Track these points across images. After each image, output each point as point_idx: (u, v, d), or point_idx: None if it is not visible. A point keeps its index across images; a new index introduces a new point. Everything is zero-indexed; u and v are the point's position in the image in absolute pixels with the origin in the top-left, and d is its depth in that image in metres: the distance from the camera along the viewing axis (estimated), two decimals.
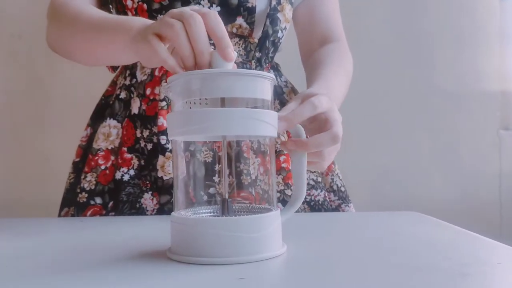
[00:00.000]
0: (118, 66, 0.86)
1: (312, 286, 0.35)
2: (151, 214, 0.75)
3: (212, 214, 0.48)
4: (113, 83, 0.87)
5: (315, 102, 0.53)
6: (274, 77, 0.47)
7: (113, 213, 0.76)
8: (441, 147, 1.47)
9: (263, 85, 0.45)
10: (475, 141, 1.47)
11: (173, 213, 0.46)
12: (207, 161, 0.54)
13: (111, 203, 0.77)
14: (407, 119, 1.46)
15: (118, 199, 0.76)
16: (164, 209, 0.75)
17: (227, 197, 0.46)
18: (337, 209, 0.84)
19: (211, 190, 0.52)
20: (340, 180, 0.86)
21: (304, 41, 0.91)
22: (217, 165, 0.55)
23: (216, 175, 0.53)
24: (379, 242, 0.53)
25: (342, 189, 0.85)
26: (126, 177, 0.76)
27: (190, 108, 0.48)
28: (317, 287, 0.35)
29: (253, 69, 0.81)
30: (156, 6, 0.75)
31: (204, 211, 0.48)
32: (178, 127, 0.45)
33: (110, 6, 0.82)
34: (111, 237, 0.58)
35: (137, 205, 0.75)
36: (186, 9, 0.48)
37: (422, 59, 1.46)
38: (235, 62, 0.79)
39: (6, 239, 0.57)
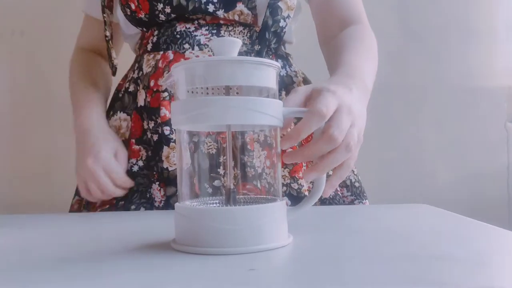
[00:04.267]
0: (116, 70, 0.89)
1: (321, 276, 0.34)
2: (159, 205, 0.75)
3: (217, 204, 0.47)
4: (125, 77, 0.89)
5: (323, 111, 0.46)
6: (279, 65, 0.45)
7: (123, 202, 0.77)
8: (448, 141, 1.46)
9: (268, 73, 0.44)
10: (482, 134, 1.46)
11: (177, 203, 0.45)
12: (212, 153, 0.53)
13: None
14: (414, 113, 1.45)
15: (129, 189, 0.77)
16: (170, 201, 0.74)
17: (232, 187, 0.45)
18: (350, 205, 0.82)
19: (216, 183, 0.51)
20: (355, 175, 0.84)
21: (323, 26, 0.87)
22: (222, 156, 0.54)
23: (221, 167, 0.52)
24: (392, 233, 0.51)
25: (356, 184, 0.83)
26: (135, 168, 0.77)
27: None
28: (326, 277, 0.34)
29: None
30: None
31: (209, 201, 0.47)
32: (180, 115, 0.44)
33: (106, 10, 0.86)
34: (113, 230, 0.57)
35: (148, 195, 0.76)
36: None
37: (429, 53, 1.45)
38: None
39: (11, 234, 0.56)
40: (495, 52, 1.46)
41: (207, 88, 0.47)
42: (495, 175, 1.45)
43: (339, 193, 0.81)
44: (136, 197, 0.76)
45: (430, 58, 1.45)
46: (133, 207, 0.76)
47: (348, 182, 0.83)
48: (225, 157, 0.46)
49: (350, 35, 0.80)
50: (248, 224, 0.41)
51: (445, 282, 0.32)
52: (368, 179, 1.40)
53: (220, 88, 0.46)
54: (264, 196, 0.48)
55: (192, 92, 0.46)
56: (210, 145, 0.54)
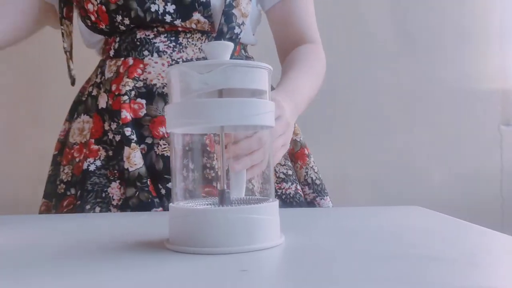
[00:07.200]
0: (74, 80, 0.92)
1: (313, 276, 0.35)
2: (117, 204, 0.76)
3: (211, 205, 0.48)
4: (88, 80, 0.90)
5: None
6: (271, 67, 0.47)
7: (79, 202, 0.77)
8: (442, 143, 1.47)
9: (260, 75, 0.45)
10: (476, 136, 1.47)
11: (171, 204, 0.46)
12: (205, 155, 0.54)
13: (79, 193, 0.78)
14: (408, 115, 1.46)
15: (83, 189, 0.77)
16: (129, 203, 0.75)
17: (225, 188, 0.46)
18: (312, 202, 0.85)
19: (210, 184, 0.51)
20: (315, 173, 0.87)
21: (280, 42, 0.93)
22: (215, 158, 0.55)
23: (215, 167, 0.53)
24: (383, 234, 0.52)
25: (317, 182, 0.86)
26: (92, 167, 0.78)
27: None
28: (318, 276, 0.35)
29: None
30: (113, 6, 0.78)
31: (202, 202, 0.48)
32: (175, 118, 0.45)
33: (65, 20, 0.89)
34: (108, 230, 0.57)
35: (103, 195, 0.76)
36: None
37: (424, 55, 1.46)
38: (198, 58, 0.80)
39: (2, 234, 0.56)
40: (490, 55, 1.48)
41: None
42: (488, 177, 1.47)
43: (299, 191, 0.83)
44: (91, 196, 0.76)
45: (424, 61, 1.46)
46: (87, 206, 0.75)
47: (309, 180, 0.85)
48: (216, 158, 0.46)
49: (300, 54, 0.86)
50: (241, 224, 0.42)
51: (435, 282, 0.32)
52: (362, 180, 1.41)
53: (214, 90, 0.47)
54: (257, 197, 0.49)
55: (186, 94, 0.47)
56: (204, 147, 0.54)
